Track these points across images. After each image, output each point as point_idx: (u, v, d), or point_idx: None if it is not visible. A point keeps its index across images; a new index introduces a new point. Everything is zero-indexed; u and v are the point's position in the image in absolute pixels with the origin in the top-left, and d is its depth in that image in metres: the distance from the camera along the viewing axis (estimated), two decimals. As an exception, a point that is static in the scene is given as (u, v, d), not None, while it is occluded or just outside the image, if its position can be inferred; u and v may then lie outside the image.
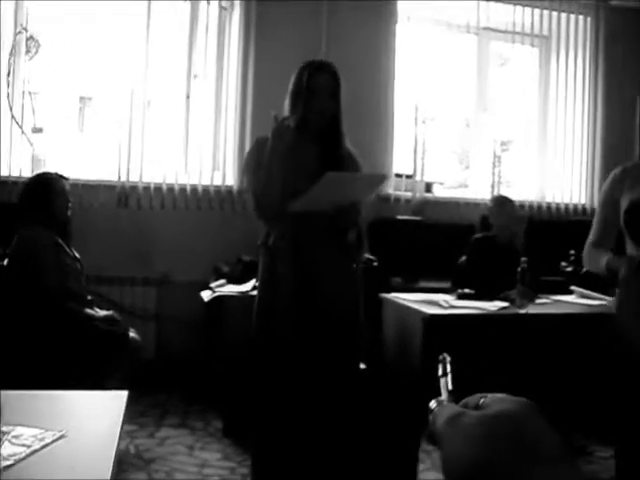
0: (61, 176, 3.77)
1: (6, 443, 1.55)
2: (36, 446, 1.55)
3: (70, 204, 3.72)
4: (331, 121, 2.94)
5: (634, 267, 2.25)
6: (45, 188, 3.63)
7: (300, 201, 2.71)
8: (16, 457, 1.48)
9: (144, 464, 3.46)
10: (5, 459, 1.47)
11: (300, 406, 2.96)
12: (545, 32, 6.02)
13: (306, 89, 2.85)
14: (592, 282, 4.50)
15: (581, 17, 6.03)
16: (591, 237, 2.55)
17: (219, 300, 4.03)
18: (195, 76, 5.23)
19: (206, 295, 4.21)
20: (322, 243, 2.92)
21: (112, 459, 1.52)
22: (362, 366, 4.00)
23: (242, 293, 4.03)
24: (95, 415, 1.89)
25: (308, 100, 2.85)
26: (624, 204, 2.38)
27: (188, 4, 5.20)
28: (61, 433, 1.63)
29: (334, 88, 2.92)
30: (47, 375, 3.21)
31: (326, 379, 2.98)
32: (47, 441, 1.58)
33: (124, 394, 1.99)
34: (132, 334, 3.70)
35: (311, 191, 2.68)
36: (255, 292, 3.69)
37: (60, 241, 3.60)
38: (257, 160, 2.87)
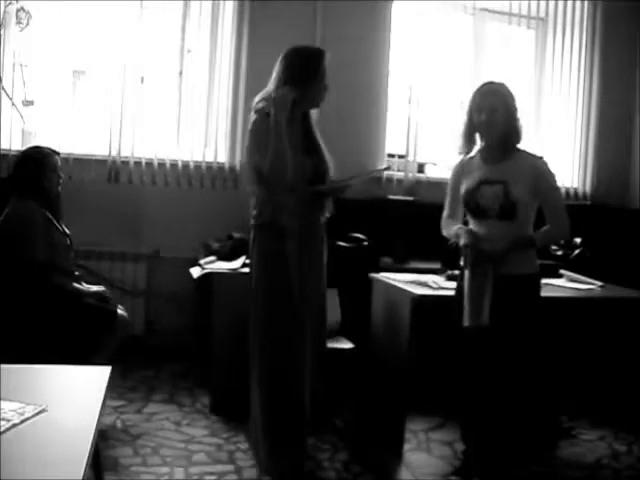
0: (54, 151, 3.74)
1: (-15, 416, 1.55)
2: (16, 420, 1.55)
3: (61, 180, 3.71)
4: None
5: (472, 238, 3.01)
6: (38, 163, 3.61)
7: (328, 185, 3.16)
8: (-5, 431, 1.48)
9: (131, 439, 3.47)
10: (-16, 432, 1.46)
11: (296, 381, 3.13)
12: (542, 14, 5.98)
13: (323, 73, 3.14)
14: (582, 266, 4.51)
15: (578, -1, 5.98)
16: (445, 211, 3.29)
17: (208, 277, 4.02)
18: (189, 51, 5.17)
19: (195, 272, 4.20)
20: (314, 220, 3.22)
21: (92, 433, 1.52)
22: (350, 345, 4.03)
23: (232, 270, 4.02)
24: (77, 390, 1.89)
25: (320, 82, 3.15)
26: (463, 189, 3.12)
27: (182, -22, 5.14)
28: (42, 407, 1.63)
29: None
30: (31, 350, 3.21)
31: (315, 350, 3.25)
32: (27, 415, 1.58)
33: (107, 369, 1.99)
34: (120, 311, 3.69)
35: (345, 181, 3.20)
36: (245, 270, 3.70)
37: (50, 216, 3.58)
38: (263, 136, 3.00)
